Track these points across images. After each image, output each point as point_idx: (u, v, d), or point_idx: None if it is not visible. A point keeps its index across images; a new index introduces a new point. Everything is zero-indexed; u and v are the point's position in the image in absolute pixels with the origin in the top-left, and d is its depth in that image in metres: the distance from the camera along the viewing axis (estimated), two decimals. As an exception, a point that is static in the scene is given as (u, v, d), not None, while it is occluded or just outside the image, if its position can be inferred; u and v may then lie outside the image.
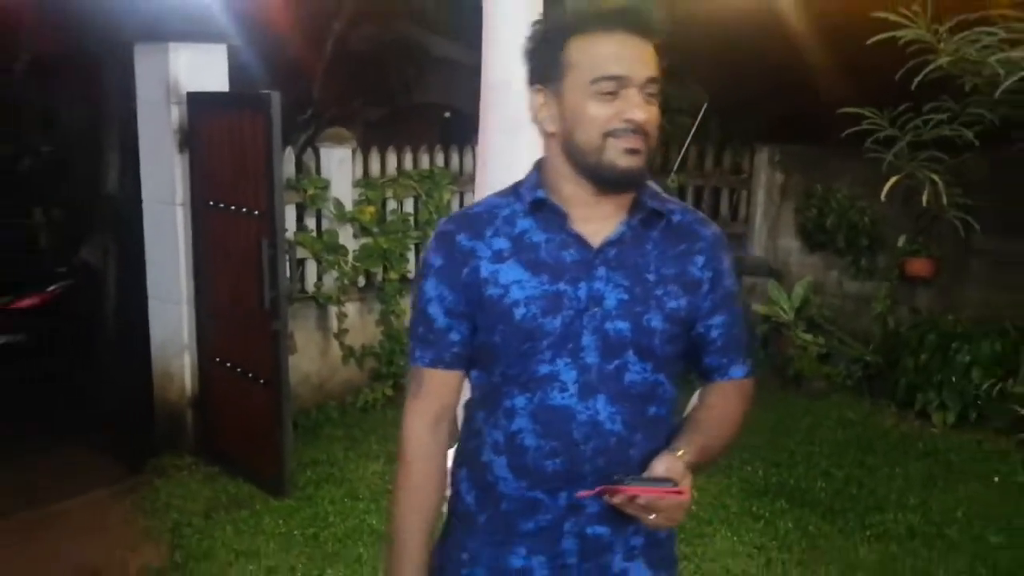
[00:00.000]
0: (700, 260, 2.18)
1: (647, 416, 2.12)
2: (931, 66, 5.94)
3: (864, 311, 8.33)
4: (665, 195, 2.21)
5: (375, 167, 7.63)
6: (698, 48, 9.05)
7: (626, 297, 2.09)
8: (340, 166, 7.28)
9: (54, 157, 10.03)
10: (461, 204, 8.20)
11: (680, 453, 2.03)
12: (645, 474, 2.01)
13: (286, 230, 6.21)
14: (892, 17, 5.91)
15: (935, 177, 6.77)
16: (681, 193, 9.35)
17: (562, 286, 2.07)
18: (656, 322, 2.10)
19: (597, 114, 2.01)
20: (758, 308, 8.43)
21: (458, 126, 10.39)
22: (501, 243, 2.12)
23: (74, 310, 8.97)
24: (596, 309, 2.07)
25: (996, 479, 6.22)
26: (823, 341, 8.11)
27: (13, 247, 9.79)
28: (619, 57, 2.01)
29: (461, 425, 2.32)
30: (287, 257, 6.13)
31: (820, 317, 8.30)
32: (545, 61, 2.09)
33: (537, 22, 2.15)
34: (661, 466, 2.00)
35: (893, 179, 6.77)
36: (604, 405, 2.08)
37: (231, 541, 5.28)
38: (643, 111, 2.01)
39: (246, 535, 5.35)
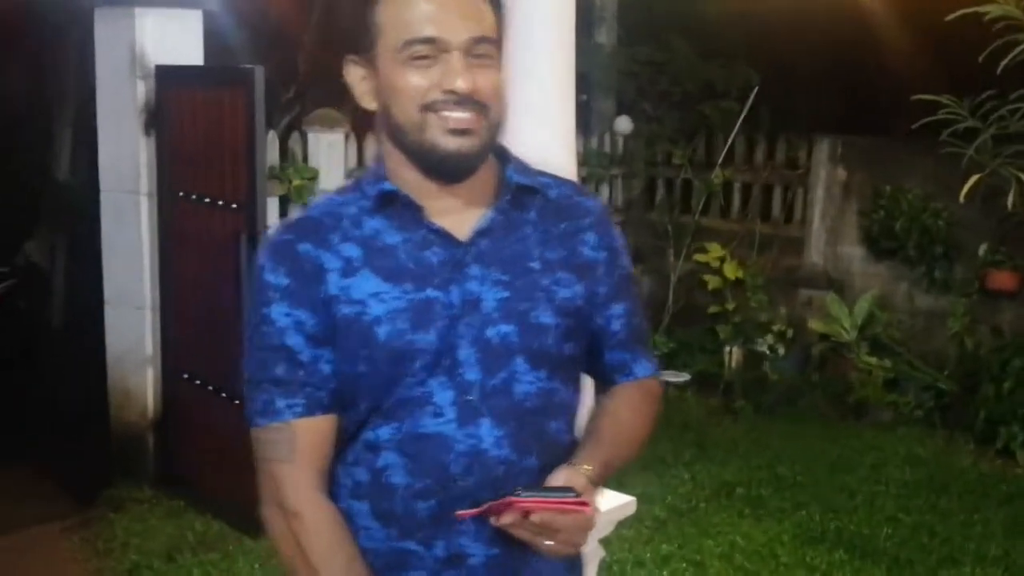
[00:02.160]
0: (591, 238, 2.12)
1: (546, 434, 2.05)
2: (1020, 48, 5.96)
3: (938, 330, 8.33)
4: (531, 167, 2.14)
5: (371, 155, 7.66)
6: (747, 23, 9.10)
7: (507, 294, 2.00)
8: (330, 152, 7.29)
9: (-4, 138, 10.07)
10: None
11: (583, 468, 1.96)
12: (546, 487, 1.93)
13: (268, 227, 6.22)
14: (976, -11, 5.93)
15: (1023, 176, 6.78)
16: (727, 190, 9.39)
17: (431, 292, 1.97)
18: (547, 318, 2.02)
19: (412, 85, 1.93)
20: (815, 325, 8.45)
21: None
22: (351, 250, 2.00)
23: (16, 315, 9.00)
24: (473, 314, 1.98)
25: (1090, 529, 6.24)
26: (890, 365, 8.12)
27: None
28: (432, 16, 1.92)
29: None
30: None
31: (887, 337, 8.31)
32: (357, 26, 2.01)
33: None
34: (560, 478, 1.93)
35: (974, 178, 6.77)
36: (489, 429, 1.98)
37: (199, 587, 5.32)
38: (466, 78, 1.91)
39: (216, 580, 5.38)
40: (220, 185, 5.89)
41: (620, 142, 9.63)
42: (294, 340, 1.98)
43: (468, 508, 1.93)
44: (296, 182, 7.00)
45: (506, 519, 1.87)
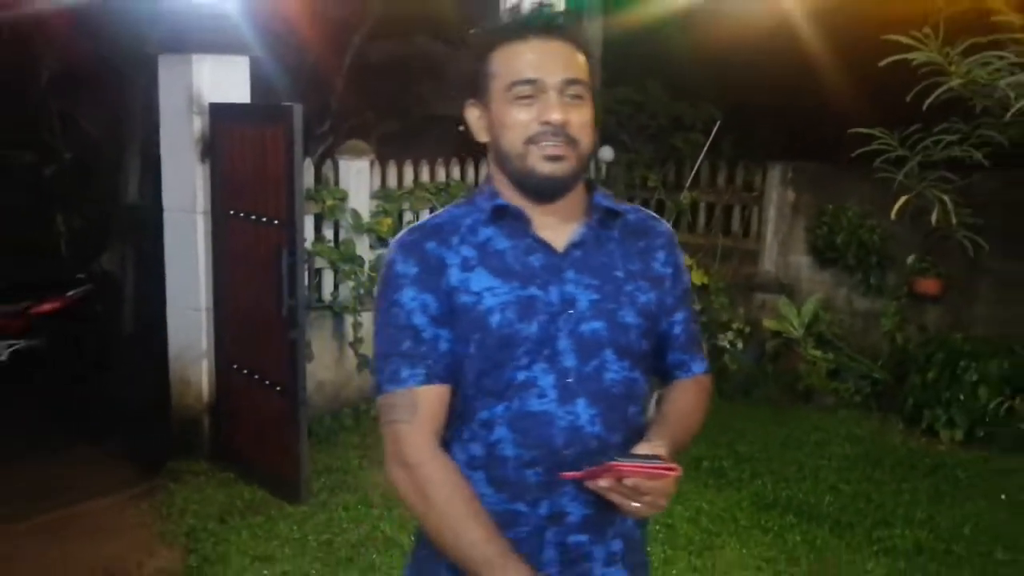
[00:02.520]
0: (661, 256, 2.20)
1: (627, 417, 2.11)
2: (942, 88, 5.94)
3: (873, 328, 8.32)
4: (613, 196, 2.21)
5: (392, 179, 7.67)
6: (711, 67, 9.11)
7: (598, 297, 2.08)
8: (358, 177, 7.31)
9: (77, 165, 10.08)
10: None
11: (659, 443, 2.01)
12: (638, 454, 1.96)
13: (305, 240, 6.22)
14: (904, 40, 5.92)
15: (945, 197, 6.75)
16: (693, 209, 9.40)
17: (534, 291, 2.05)
18: (630, 318, 2.10)
19: (516, 119, 2.03)
20: (768, 323, 8.44)
21: (473, 139, 10.42)
22: (468, 251, 2.08)
23: (93, 316, 9.01)
24: (570, 311, 2.05)
25: (1003, 497, 6.20)
26: (832, 357, 8.10)
27: (35, 252, 9.84)
28: (532, 62, 2.03)
29: None
30: (305, 267, 6.15)
31: (830, 333, 8.30)
32: (474, 75, 2.11)
33: (469, 38, 2.18)
34: (644, 449, 1.98)
35: (903, 199, 6.76)
36: (584, 408, 2.05)
37: (246, 546, 5.29)
38: (560, 112, 2.01)
39: (261, 540, 5.37)
40: (264, 205, 5.88)
41: (604, 168, 9.63)
42: (419, 320, 2.05)
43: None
44: (329, 202, 7.01)
45: (603, 482, 1.91)
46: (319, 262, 7.09)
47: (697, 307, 2.34)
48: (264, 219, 5.89)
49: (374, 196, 7.44)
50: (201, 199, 6.30)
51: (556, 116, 2.00)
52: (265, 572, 5.03)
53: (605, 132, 9.62)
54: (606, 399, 2.07)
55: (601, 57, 9.70)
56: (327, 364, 7.16)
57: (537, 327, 2.03)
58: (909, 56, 5.83)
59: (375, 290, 2.19)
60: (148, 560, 5.23)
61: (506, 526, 2.03)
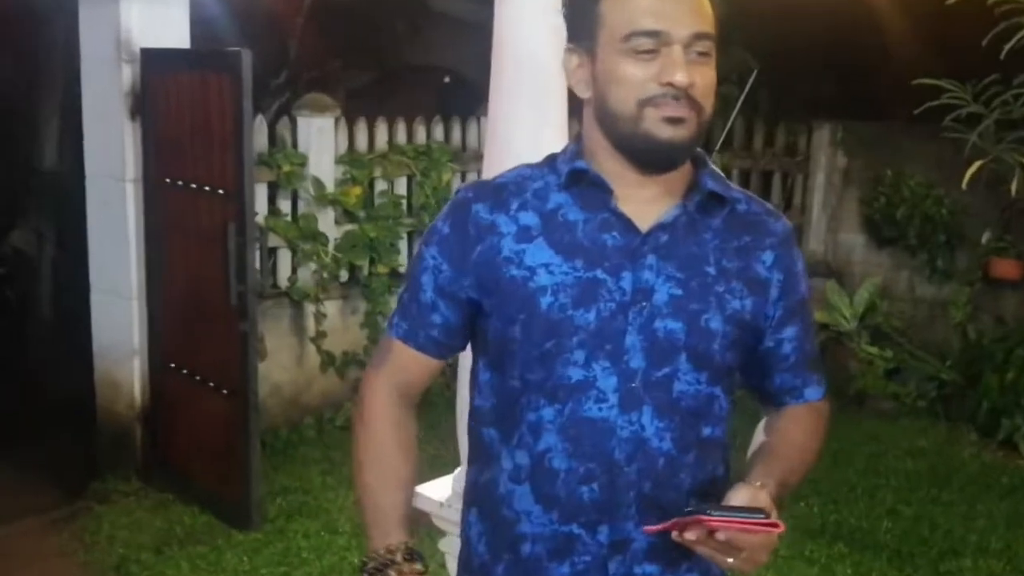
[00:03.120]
0: (768, 258, 2.13)
1: (700, 436, 2.07)
2: (1024, 31, 5.95)
3: (940, 319, 8.34)
4: (728, 182, 2.15)
5: (362, 140, 7.64)
6: (746, 7, 9.08)
7: (680, 292, 2.02)
8: (320, 138, 7.29)
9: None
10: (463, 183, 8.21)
11: (759, 484, 1.95)
12: (724, 503, 1.91)
13: (256, 213, 6.21)
14: (980, -28, 5.92)
15: (1027, 162, 6.78)
16: (725, 175, 9.37)
17: (600, 274, 2.01)
18: (716, 323, 2.04)
19: (631, 76, 1.96)
20: (815, 314, 8.43)
21: (459, 93, 10.40)
22: (529, 218, 2.07)
23: (3, 303, 9.00)
24: (644, 304, 2.00)
25: (1093, 521, 6.24)
26: (891, 355, 8.12)
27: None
28: (657, 9, 1.95)
29: (467, 457, 2.29)
30: (257, 245, 6.15)
31: (888, 326, 8.31)
32: (578, 14, 2.05)
33: None
34: (742, 495, 1.91)
35: (977, 164, 6.76)
36: (650, 419, 2.01)
37: (186, 581, 5.31)
38: (687, 73, 1.93)
39: (204, 574, 5.38)
40: (208, 171, 5.88)
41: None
42: (426, 279, 2.14)
43: (632, 496, 2.00)
44: (285, 168, 7.00)
45: (690, 535, 1.86)
46: (274, 240, 7.08)
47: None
48: (207, 188, 5.88)
49: (340, 161, 7.42)
50: (131, 164, 6.29)
51: (681, 78, 1.93)
52: (209, 612, 5.05)
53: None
54: (677, 412, 2.04)
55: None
56: (284, 363, 7.16)
57: (596, 316, 2.00)
58: (984, -8, 5.83)
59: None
60: (70, 598, 5.24)
61: (560, 554, 2.05)
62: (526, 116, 3.29)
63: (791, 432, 2.20)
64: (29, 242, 9.46)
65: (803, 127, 9.09)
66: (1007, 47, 5.95)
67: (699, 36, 1.96)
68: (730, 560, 1.87)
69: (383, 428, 2.18)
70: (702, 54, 1.97)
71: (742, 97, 8.81)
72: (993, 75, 6.57)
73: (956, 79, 6.71)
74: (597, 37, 2.00)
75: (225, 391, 5.92)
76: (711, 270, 2.05)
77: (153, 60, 6.15)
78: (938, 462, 7.05)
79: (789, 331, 2.17)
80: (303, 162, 7.14)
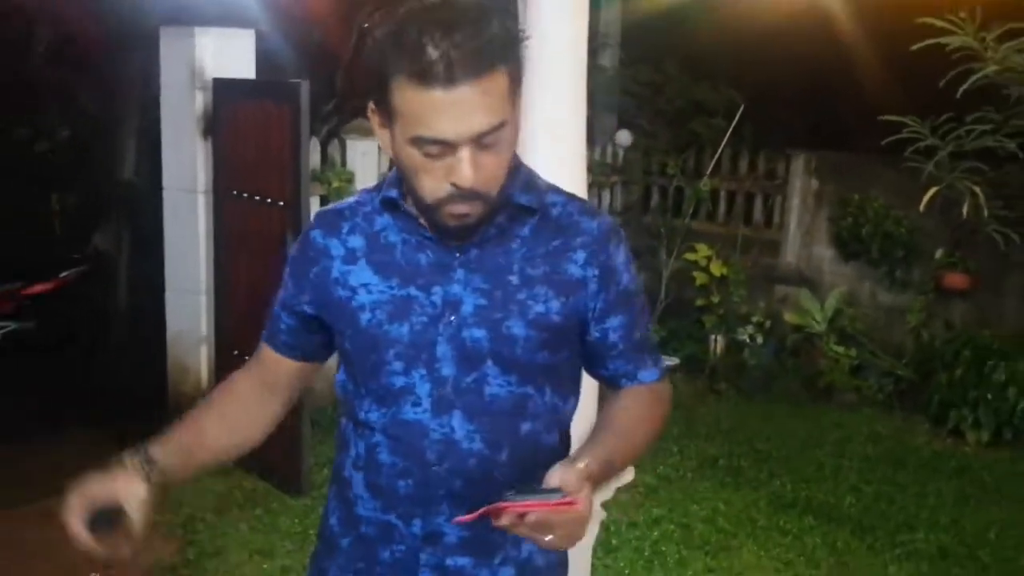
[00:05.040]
0: (580, 256, 1.98)
1: (518, 434, 1.98)
2: (977, 75, 5.96)
3: (898, 324, 8.33)
4: (545, 184, 2.04)
5: (401, 161, 7.64)
6: (734, 50, 9.10)
7: (484, 302, 1.93)
8: (365, 159, 7.30)
9: (72, 141, 10.09)
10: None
11: (581, 464, 1.80)
12: (543, 485, 1.79)
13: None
14: (939, 23, 5.92)
15: (976, 188, 6.78)
16: (714, 197, 9.40)
17: (413, 291, 1.95)
18: (517, 329, 1.93)
19: (425, 175, 1.81)
20: (789, 317, 8.46)
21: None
22: (356, 241, 2.01)
23: (87, 298, 9.02)
24: (452, 316, 1.93)
25: (1031, 501, 6.23)
26: (855, 353, 8.11)
27: (26, 231, 9.85)
28: (442, 117, 1.74)
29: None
30: (310, 250, 6.15)
31: (853, 329, 8.30)
32: (374, 81, 1.81)
33: (361, 36, 1.83)
34: (555, 477, 1.77)
35: (933, 190, 6.79)
36: (461, 422, 1.94)
37: (245, 539, 5.32)
38: (471, 172, 1.78)
39: (260, 533, 5.39)
40: (268, 185, 5.89)
41: (620, 153, 9.64)
42: (278, 294, 2.16)
43: (443, 493, 1.94)
44: (335, 184, 7.01)
45: (504, 521, 1.76)
46: (324, 246, 7.07)
47: (642, 308, 2.10)
48: (268, 200, 5.89)
49: (381, 178, 7.42)
50: (202, 178, 6.32)
51: (464, 180, 1.78)
52: (265, 566, 5.05)
53: (622, 116, 9.64)
54: (487, 414, 1.95)
55: (619, 36, 9.74)
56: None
57: (409, 330, 1.94)
58: (943, 40, 5.84)
59: None
60: (144, 552, 5.23)
61: (383, 541, 2.02)
62: (547, 148, 3.23)
63: (621, 412, 2.05)
64: (110, 244, 9.49)
65: (781, 155, 9.09)
66: (962, 88, 5.96)
67: (487, 132, 1.77)
68: (548, 538, 1.76)
69: (220, 390, 2.24)
70: (490, 144, 1.79)
71: (730, 130, 8.85)
72: (949, 112, 6.58)
73: (917, 115, 6.73)
74: (393, 122, 1.81)
75: (281, 375, 5.92)
76: (514, 279, 1.95)
77: (223, 88, 6.18)
78: (895, 447, 7.05)
79: (613, 321, 2.03)
80: (350, 179, 7.15)
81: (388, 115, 1.81)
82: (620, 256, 2.04)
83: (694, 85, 9.45)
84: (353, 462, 2.05)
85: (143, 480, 2.05)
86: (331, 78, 9.40)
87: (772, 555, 5.36)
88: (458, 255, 1.94)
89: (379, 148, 7.33)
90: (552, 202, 2.01)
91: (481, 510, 1.79)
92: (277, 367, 2.20)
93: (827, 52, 8.71)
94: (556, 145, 3.16)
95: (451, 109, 1.73)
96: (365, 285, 1.98)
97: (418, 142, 1.77)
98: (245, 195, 6.06)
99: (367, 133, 7.30)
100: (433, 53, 1.69)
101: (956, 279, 8.04)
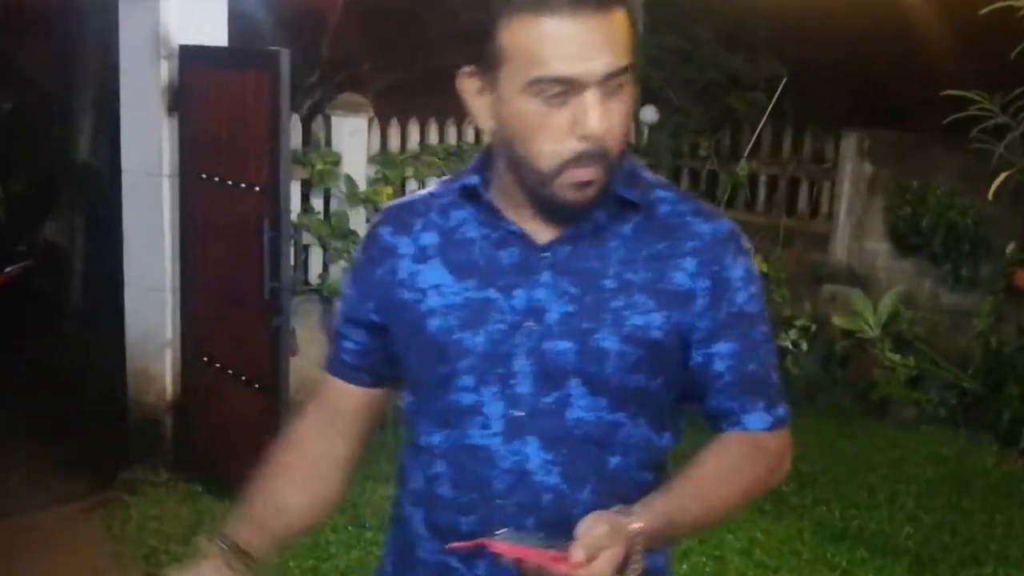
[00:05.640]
0: (690, 264, 1.90)
1: (606, 468, 1.90)
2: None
3: (963, 328, 8.31)
4: (653, 178, 1.99)
5: (393, 140, 7.68)
6: (775, 15, 9.08)
7: (571, 309, 1.86)
8: (353, 138, 7.31)
9: (16, 117, 10.10)
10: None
11: (628, 518, 1.71)
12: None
13: (290, 210, 6.24)
14: (1011, -17, 5.92)
15: (1053, 173, 6.77)
16: (753, 183, 9.38)
17: (492, 293, 1.88)
18: (609, 343, 1.86)
19: (545, 129, 1.76)
20: (839, 321, 8.45)
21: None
22: (429, 238, 1.96)
23: (35, 295, 9.04)
24: (534, 324, 1.87)
25: (1114, 531, 6.23)
26: (914, 362, 8.10)
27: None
28: (566, 50, 1.72)
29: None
30: (291, 242, 6.18)
31: (911, 334, 8.30)
32: (477, 39, 1.80)
33: None
34: (584, 524, 1.67)
35: (1003, 175, 6.78)
36: (536, 450, 1.87)
37: (215, 571, 5.32)
38: (603, 119, 1.75)
39: (233, 565, 5.38)
40: (243, 168, 5.90)
41: (645, 132, 9.62)
42: (339, 309, 2.12)
43: (510, 530, 1.77)
44: (319, 167, 7.02)
45: (506, 559, 1.69)
46: (306, 237, 7.11)
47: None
48: (243, 185, 5.91)
49: (372, 160, 7.45)
50: (167, 160, 6.31)
51: (596, 128, 1.74)
52: (238, 603, 5.05)
53: (647, 89, 9.61)
54: (568, 443, 1.87)
55: (644, -1, 9.72)
56: (314, 358, 7.14)
57: (485, 338, 1.88)
58: (1016, 4, 5.83)
59: None
60: (100, 586, 5.28)
61: None
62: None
63: (707, 465, 1.92)
64: (62, 234, 9.51)
65: (830, 135, 9.07)
66: (1037, 59, 5.96)
67: (615, 73, 1.76)
68: None
69: (283, 447, 2.17)
70: (618, 86, 1.78)
71: (771, 105, 8.83)
72: (1021, 87, 6.57)
73: (984, 90, 6.71)
74: (499, 72, 1.78)
75: (257, 385, 5.95)
76: (609, 283, 1.88)
77: (191, 57, 6.17)
78: (959, 470, 7.04)
79: (722, 347, 1.93)
80: (336, 161, 7.16)
81: (493, 68, 1.79)
82: (738, 269, 1.95)
83: (727, 54, 9.42)
84: (411, 498, 2.03)
85: (227, 568, 2.04)
86: (315, 45, 9.43)
87: (818, 592, 5.37)
88: (546, 254, 1.89)
89: (368, 125, 7.35)
90: (660, 198, 1.95)
91: (473, 542, 1.75)
92: (344, 400, 2.13)
93: (881, 17, 8.70)
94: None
95: (577, 41, 1.72)
96: (437, 286, 1.92)
97: (537, 85, 1.74)
98: (216, 179, 6.06)
99: (356, 109, 7.31)
100: None
101: (1030, 278, 8.04)
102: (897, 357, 8.10)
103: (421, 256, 1.95)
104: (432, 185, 2.08)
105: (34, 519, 5.97)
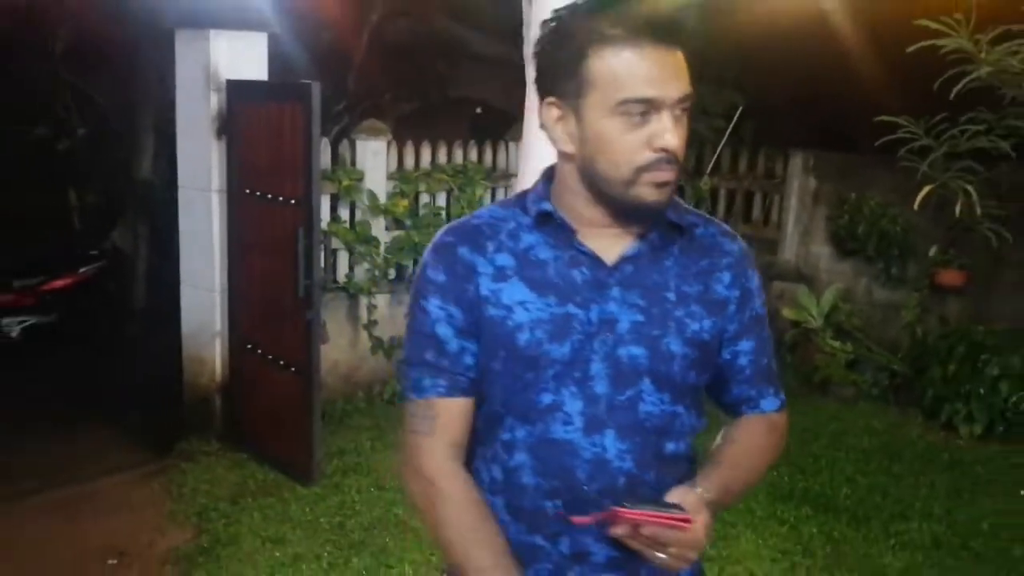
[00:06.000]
0: (726, 277, 1.98)
1: (664, 453, 1.93)
2: (971, 76, 5.95)
3: (893, 320, 8.31)
4: (685, 206, 2.00)
5: (409, 160, 7.66)
6: (734, 51, 9.08)
7: (641, 319, 1.89)
8: (375, 158, 7.31)
9: (90, 140, 10.11)
10: (493, 200, 8.23)
11: (699, 490, 1.84)
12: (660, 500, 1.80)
13: (321, 220, 6.23)
14: (934, 25, 5.91)
15: (969, 188, 6.77)
16: (714, 196, 9.38)
17: (571, 308, 1.87)
18: (675, 346, 1.90)
19: (626, 143, 1.79)
20: (787, 313, 8.43)
21: (490, 121, 10.42)
22: (504, 259, 1.92)
23: (105, 292, 9.06)
24: (608, 333, 1.88)
25: (1023, 493, 6.21)
26: (851, 348, 8.10)
27: (47, 228, 9.88)
28: (650, 76, 1.76)
29: None
30: (321, 247, 6.17)
31: (849, 324, 8.29)
32: (561, 72, 1.83)
33: (551, 22, 1.87)
34: (675, 495, 1.81)
35: (927, 189, 6.78)
36: (613, 441, 1.88)
37: (258, 527, 5.33)
38: (676, 136, 1.79)
39: (273, 521, 5.40)
40: (281, 184, 5.89)
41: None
42: (444, 331, 1.94)
43: (590, 511, 1.84)
44: (345, 182, 7.02)
45: (618, 529, 1.76)
46: (335, 243, 7.11)
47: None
48: (280, 199, 5.90)
49: (390, 177, 7.44)
50: (216, 177, 6.32)
51: (673, 142, 1.79)
52: (277, 554, 5.06)
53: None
54: (640, 433, 1.90)
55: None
56: (341, 346, 7.18)
57: (570, 348, 1.87)
58: (939, 42, 5.83)
59: (410, 290, 2.04)
60: (159, 539, 5.27)
61: (526, 561, 1.91)
62: (547, 151, 3.24)
63: (743, 442, 2.03)
64: (127, 241, 9.52)
65: (780, 155, 9.07)
66: (956, 89, 5.95)
67: (684, 98, 1.81)
68: (660, 556, 1.76)
69: (453, 486, 1.92)
70: (683, 110, 1.82)
71: (729, 129, 8.83)
72: (943, 113, 6.57)
73: (912, 116, 6.71)
74: (584, 99, 1.81)
75: (292, 368, 5.94)
76: (671, 296, 1.92)
77: (237, 89, 6.19)
78: (890, 440, 7.03)
79: (744, 344, 2.02)
80: (360, 178, 7.16)
81: (577, 96, 1.81)
82: (755, 279, 2.05)
83: (695, 85, 9.40)
84: (489, 487, 1.96)
85: None
86: (342, 79, 9.43)
87: (769, 544, 5.35)
88: (614, 273, 1.90)
89: (387, 147, 7.34)
90: (693, 222, 1.98)
91: (599, 515, 1.80)
92: (467, 418, 1.98)
93: (826, 53, 8.69)
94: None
95: (658, 68, 1.77)
96: (522, 303, 1.89)
97: (623, 106, 1.77)
98: (258, 193, 6.06)
99: (377, 133, 7.31)
100: (645, 11, 1.77)
101: (950, 276, 8.03)
102: (837, 344, 8.10)
103: (500, 275, 1.91)
104: (481, 211, 2.02)
105: (103, 484, 5.97)
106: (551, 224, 1.92)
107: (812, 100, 9.34)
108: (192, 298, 6.58)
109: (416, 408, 1.96)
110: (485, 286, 1.91)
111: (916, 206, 6.73)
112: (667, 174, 1.81)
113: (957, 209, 6.78)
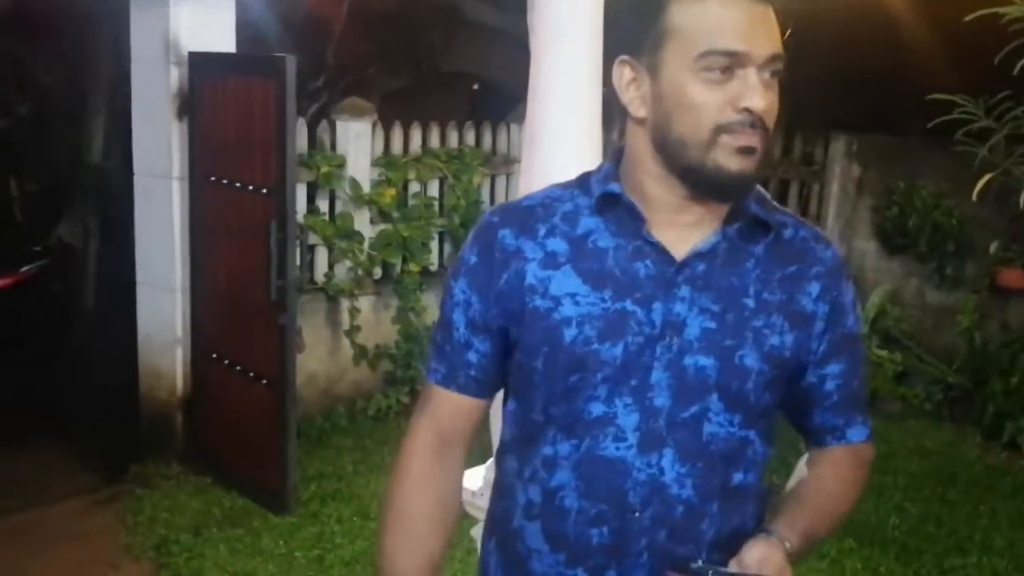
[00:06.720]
0: (815, 289, 1.91)
1: (730, 483, 1.88)
2: (1037, 48, 5.94)
3: (948, 325, 8.32)
4: (775, 203, 1.95)
5: (397, 144, 7.67)
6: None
7: (714, 326, 1.83)
8: (358, 141, 7.31)
9: (33, 121, 10.09)
10: (492, 189, 8.24)
11: (783, 542, 1.79)
12: (733, 561, 1.76)
13: (296, 211, 6.24)
14: (994, -8, 5.91)
15: (1035, 175, 6.76)
16: (770, 198, 9.35)
17: (629, 305, 1.83)
18: (751, 361, 1.84)
19: (706, 101, 1.74)
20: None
21: (489, 99, 10.42)
22: (557, 244, 1.88)
23: (50, 294, 9.04)
24: (673, 338, 1.82)
25: (1095, 522, 6.23)
26: (900, 358, 8.11)
27: (-17, 221, 9.87)
28: (738, 27, 1.73)
29: (492, 482, 2.11)
30: (297, 242, 6.17)
31: (898, 331, 8.30)
32: (637, 25, 1.81)
33: None
34: (755, 553, 1.75)
35: (987, 177, 6.76)
36: (671, 463, 1.83)
37: (224, 562, 5.33)
38: (764, 97, 1.74)
39: (241, 555, 5.40)
40: (250, 170, 5.90)
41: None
42: (457, 317, 1.97)
43: (644, 545, 1.84)
44: (324, 169, 7.02)
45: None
46: (312, 238, 7.11)
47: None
48: (250, 187, 5.91)
49: (376, 163, 7.45)
50: (177, 163, 6.32)
51: (759, 103, 1.74)
52: (246, 592, 5.08)
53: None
54: (703, 457, 1.85)
55: None
56: (319, 355, 7.19)
57: (623, 351, 1.82)
58: (1001, 10, 5.82)
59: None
60: (113, 575, 5.27)
61: None
62: (563, 124, 3.26)
63: (827, 479, 1.99)
64: (75, 235, 9.50)
65: (820, 138, 9.09)
66: (1020, 64, 5.94)
67: (775, 58, 1.76)
68: None
69: (412, 488, 1.99)
70: (774, 74, 1.78)
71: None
72: (1005, 91, 6.56)
73: (969, 94, 6.70)
74: (662, 52, 1.78)
75: (264, 381, 5.95)
76: (750, 302, 1.86)
77: (200, 63, 6.18)
78: (944, 462, 7.04)
79: (833, 367, 1.96)
80: (341, 164, 7.16)
81: (654, 50, 1.79)
82: (850, 294, 1.98)
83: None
84: (524, 511, 1.94)
85: None
86: (320, 51, 9.42)
87: (808, 581, 5.37)
88: (683, 269, 1.84)
89: (372, 129, 7.34)
90: (782, 222, 1.93)
91: (666, 573, 1.79)
92: (466, 417, 2.03)
93: (871, 24, 8.70)
94: (571, 116, 3.22)
95: (747, 19, 1.74)
96: (572, 295, 1.85)
97: (705, 59, 1.74)
98: (224, 181, 6.07)
99: (360, 113, 7.30)
100: None
101: (1013, 276, 8.03)
102: (884, 353, 8.11)
103: (551, 262, 1.88)
104: (537, 192, 2.01)
105: (49, 513, 5.96)
106: (617, 209, 1.88)
107: (855, 76, 9.34)
108: (149, 300, 6.58)
109: (424, 388, 2.07)
110: (532, 273, 1.88)
111: (975, 196, 6.71)
112: (752, 138, 1.76)
113: (1021, 200, 6.77)
